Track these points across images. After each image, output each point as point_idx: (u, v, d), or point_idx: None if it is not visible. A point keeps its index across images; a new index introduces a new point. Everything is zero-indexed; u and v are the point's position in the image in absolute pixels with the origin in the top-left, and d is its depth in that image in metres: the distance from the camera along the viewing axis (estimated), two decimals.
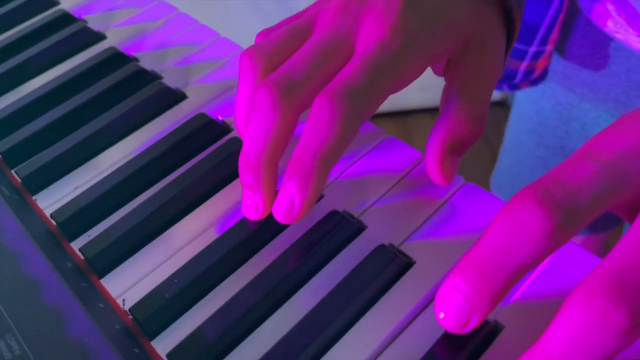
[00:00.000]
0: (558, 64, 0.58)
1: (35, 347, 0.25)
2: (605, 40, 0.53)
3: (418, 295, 0.26)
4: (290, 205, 0.26)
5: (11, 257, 0.29)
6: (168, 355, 0.26)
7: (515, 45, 0.56)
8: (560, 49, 0.57)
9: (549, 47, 0.56)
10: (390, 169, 0.31)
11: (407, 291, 0.26)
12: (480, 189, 0.30)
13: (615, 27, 0.50)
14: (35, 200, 0.33)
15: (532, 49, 0.55)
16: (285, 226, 0.30)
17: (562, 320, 0.18)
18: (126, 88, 0.39)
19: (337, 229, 0.29)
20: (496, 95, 1.60)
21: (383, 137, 0.33)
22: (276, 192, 0.27)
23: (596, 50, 0.54)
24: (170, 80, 0.40)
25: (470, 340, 0.24)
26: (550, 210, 0.19)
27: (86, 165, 0.35)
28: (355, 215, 0.30)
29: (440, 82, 0.29)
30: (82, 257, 0.30)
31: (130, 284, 0.29)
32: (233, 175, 0.33)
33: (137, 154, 0.35)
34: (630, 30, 0.49)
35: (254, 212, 0.28)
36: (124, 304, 0.28)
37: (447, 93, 0.30)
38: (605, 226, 0.69)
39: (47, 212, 0.32)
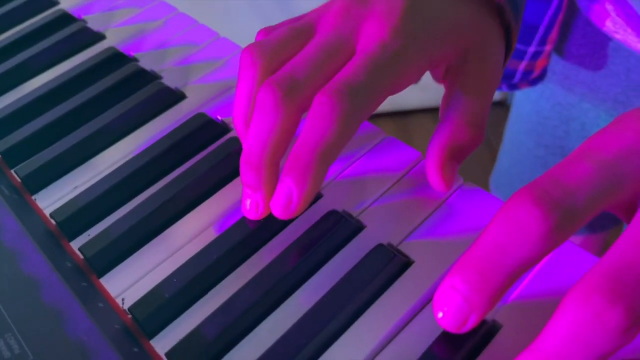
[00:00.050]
0: (557, 64, 0.58)
1: (35, 347, 0.25)
2: (604, 40, 0.53)
3: (416, 295, 0.26)
4: (288, 200, 0.26)
5: (11, 256, 0.29)
6: (167, 354, 0.26)
7: None
8: (559, 49, 0.57)
9: (548, 47, 0.56)
10: (389, 168, 0.31)
11: (406, 290, 0.26)
12: (478, 189, 0.30)
13: (614, 27, 0.50)
14: (35, 199, 0.33)
15: (531, 49, 0.55)
16: (285, 225, 0.30)
17: (559, 319, 0.18)
18: (126, 88, 0.39)
19: (336, 229, 0.29)
20: (495, 95, 1.59)
21: (382, 137, 0.33)
22: None
23: (595, 50, 0.55)
24: (169, 80, 0.40)
25: (469, 340, 0.24)
26: (547, 210, 0.19)
27: (86, 164, 0.35)
28: (354, 214, 0.30)
29: None
30: (81, 256, 0.30)
31: (129, 283, 0.29)
32: (232, 174, 0.33)
33: (136, 154, 0.35)
34: (629, 30, 0.49)
35: (254, 211, 0.28)
36: (123, 303, 0.28)
37: (447, 100, 0.30)
38: (604, 226, 0.69)
39: (47, 212, 0.32)
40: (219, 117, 0.36)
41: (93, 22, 0.46)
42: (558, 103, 0.61)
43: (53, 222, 0.32)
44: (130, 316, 0.27)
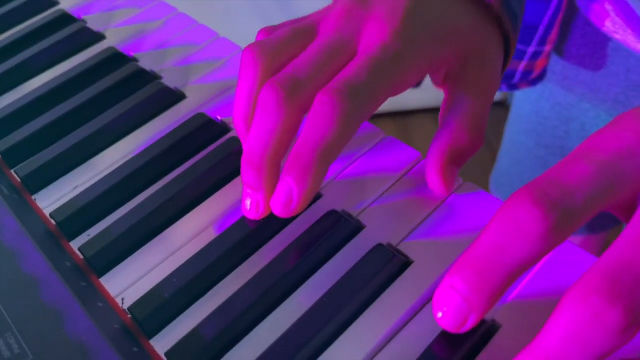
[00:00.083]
0: (557, 64, 0.58)
1: (35, 346, 0.25)
2: (603, 40, 0.53)
3: (416, 294, 0.26)
4: (289, 199, 0.26)
5: (10, 256, 0.29)
6: (167, 354, 0.26)
7: None
8: (558, 49, 0.57)
9: (548, 47, 0.56)
10: (388, 168, 0.31)
11: (405, 290, 0.26)
12: (478, 189, 0.30)
13: (614, 27, 0.50)
14: (35, 199, 0.33)
15: (531, 49, 0.55)
16: (284, 225, 0.30)
17: (558, 318, 0.18)
18: (125, 88, 0.39)
19: (336, 228, 0.29)
20: (495, 95, 1.59)
21: (382, 137, 0.33)
22: None
23: (595, 50, 0.55)
24: (169, 80, 0.40)
25: (468, 339, 0.24)
26: (546, 210, 0.19)
27: (85, 164, 0.35)
28: (354, 214, 0.30)
29: None
30: (81, 256, 0.30)
31: (129, 283, 0.29)
32: (232, 174, 0.33)
33: (136, 154, 0.35)
34: (629, 30, 0.49)
35: (254, 211, 0.28)
36: (122, 303, 0.28)
37: (447, 104, 0.31)
38: (603, 226, 0.69)
39: (47, 212, 0.32)
40: (219, 117, 0.36)
41: (93, 22, 0.46)
42: (558, 103, 0.61)
43: (53, 221, 0.32)
44: (129, 316, 0.27)
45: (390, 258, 0.27)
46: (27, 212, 0.32)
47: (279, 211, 0.26)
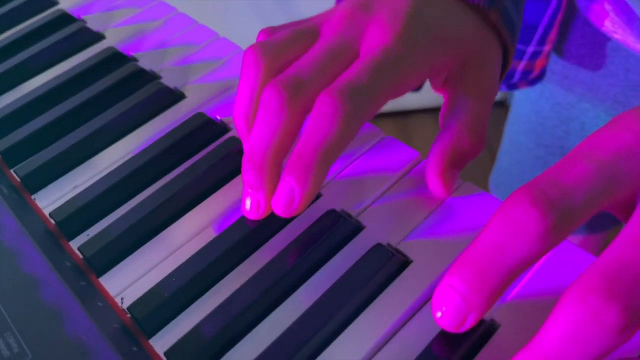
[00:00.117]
0: (556, 64, 0.59)
1: (34, 346, 0.25)
2: (603, 40, 0.53)
3: (415, 294, 0.26)
4: (290, 199, 0.26)
5: (10, 256, 0.29)
6: (166, 353, 0.26)
7: None
8: (558, 49, 0.57)
9: (547, 47, 0.56)
10: (388, 168, 0.31)
11: (404, 290, 0.26)
12: (477, 189, 0.30)
13: (613, 27, 0.50)
14: (34, 199, 0.34)
15: (530, 49, 0.55)
16: (284, 225, 0.30)
17: (556, 318, 0.18)
18: (125, 88, 0.39)
19: (335, 228, 0.29)
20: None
21: (381, 137, 0.33)
22: None
23: (594, 50, 0.55)
24: (169, 80, 0.40)
25: (467, 339, 0.24)
26: (544, 210, 0.19)
27: (85, 164, 0.35)
28: (353, 214, 0.30)
29: None
30: (80, 256, 0.30)
31: (128, 282, 0.29)
32: (231, 174, 0.33)
33: (135, 154, 0.35)
34: (628, 30, 0.49)
35: (255, 211, 0.28)
36: (122, 303, 0.28)
37: (447, 109, 0.31)
38: (603, 226, 0.69)
39: (46, 211, 0.32)
40: (218, 117, 0.36)
41: (92, 22, 0.46)
42: (557, 103, 0.61)
43: (52, 221, 0.32)
44: (129, 315, 0.27)
45: (389, 258, 0.27)
46: (27, 212, 0.32)
47: (281, 211, 0.27)
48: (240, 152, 0.33)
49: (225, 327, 0.26)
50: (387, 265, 0.27)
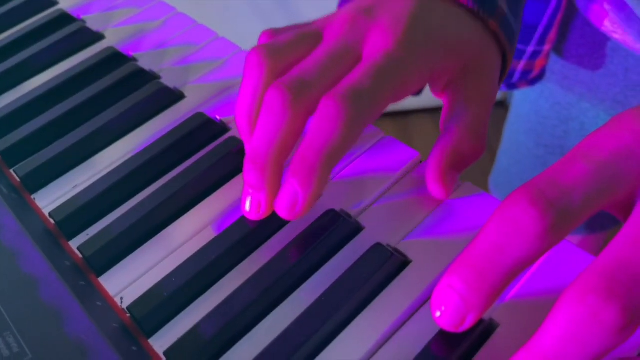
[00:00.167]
0: (556, 64, 0.59)
1: (34, 345, 0.25)
2: (603, 40, 0.53)
3: (414, 294, 0.26)
4: (294, 202, 0.26)
5: (10, 255, 0.29)
6: (165, 353, 0.26)
7: None
8: (558, 49, 0.57)
9: (547, 47, 0.56)
10: (387, 168, 0.31)
11: (404, 289, 0.26)
12: (476, 189, 0.30)
13: (613, 27, 0.50)
14: (34, 199, 0.34)
15: (530, 49, 0.55)
16: (283, 224, 0.30)
17: (555, 317, 0.18)
18: (124, 88, 0.39)
19: (334, 228, 0.29)
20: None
21: (380, 137, 0.33)
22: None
23: (594, 50, 0.55)
24: (168, 80, 0.40)
25: (466, 338, 0.24)
26: (543, 210, 0.19)
27: (85, 164, 0.35)
28: (352, 214, 0.30)
29: None
30: (80, 255, 0.30)
31: (128, 282, 0.29)
32: (231, 174, 0.33)
33: (135, 153, 0.35)
34: (628, 30, 0.49)
35: (255, 211, 0.28)
36: (121, 302, 0.28)
37: (447, 113, 0.31)
38: (603, 225, 0.69)
39: (46, 211, 0.32)
40: (218, 117, 0.36)
41: (92, 22, 0.46)
42: (557, 103, 0.61)
43: (52, 221, 0.32)
44: (128, 315, 0.27)
45: (388, 257, 0.27)
46: (27, 212, 0.32)
47: (285, 214, 0.27)
48: (239, 152, 0.33)
49: (224, 327, 0.26)
50: (387, 265, 0.27)
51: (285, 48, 0.30)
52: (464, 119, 0.30)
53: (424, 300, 0.26)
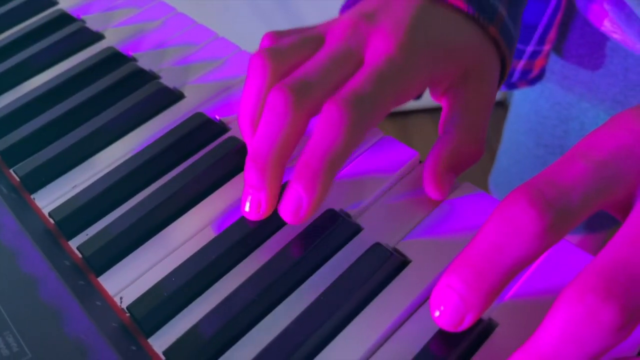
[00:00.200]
0: (556, 64, 0.59)
1: (33, 345, 0.25)
2: (602, 40, 0.53)
3: (413, 294, 0.26)
4: (298, 206, 0.27)
5: (9, 255, 0.29)
6: (165, 353, 0.26)
7: None
8: (558, 49, 0.57)
9: (547, 47, 0.56)
10: (387, 168, 0.31)
11: (403, 289, 0.26)
12: (476, 189, 0.30)
13: (612, 27, 0.50)
14: (34, 198, 0.34)
15: (530, 48, 0.55)
16: (283, 225, 0.30)
17: (554, 317, 0.18)
18: (124, 88, 0.39)
19: (334, 228, 0.29)
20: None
21: (380, 137, 0.33)
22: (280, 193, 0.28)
23: (594, 50, 0.55)
24: (168, 79, 0.40)
25: (465, 338, 0.24)
26: (542, 210, 0.19)
27: (84, 164, 0.35)
28: (352, 214, 0.30)
29: None
30: (79, 255, 0.30)
31: (127, 282, 0.29)
32: (230, 174, 0.33)
33: (135, 153, 0.35)
34: (628, 30, 0.49)
35: (255, 211, 0.28)
36: (121, 302, 0.28)
37: (447, 117, 0.32)
38: (602, 225, 0.69)
39: (46, 211, 0.32)
40: (217, 117, 0.36)
41: (92, 22, 0.46)
42: (557, 103, 0.61)
43: (52, 221, 0.32)
44: (128, 315, 0.28)
45: (388, 257, 0.27)
46: (26, 212, 0.32)
47: (289, 219, 0.27)
48: (239, 152, 0.33)
49: (224, 327, 0.26)
50: (386, 264, 0.27)
51: (288, 51, 0.30)
52: (463, 123, 0.31)
53: (423, 300, 0.26)
